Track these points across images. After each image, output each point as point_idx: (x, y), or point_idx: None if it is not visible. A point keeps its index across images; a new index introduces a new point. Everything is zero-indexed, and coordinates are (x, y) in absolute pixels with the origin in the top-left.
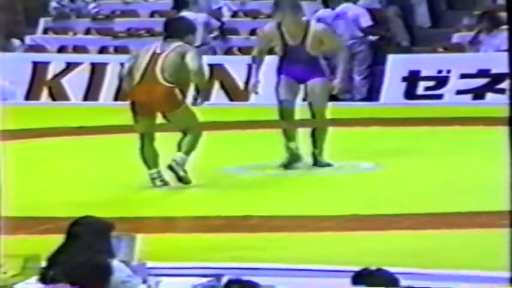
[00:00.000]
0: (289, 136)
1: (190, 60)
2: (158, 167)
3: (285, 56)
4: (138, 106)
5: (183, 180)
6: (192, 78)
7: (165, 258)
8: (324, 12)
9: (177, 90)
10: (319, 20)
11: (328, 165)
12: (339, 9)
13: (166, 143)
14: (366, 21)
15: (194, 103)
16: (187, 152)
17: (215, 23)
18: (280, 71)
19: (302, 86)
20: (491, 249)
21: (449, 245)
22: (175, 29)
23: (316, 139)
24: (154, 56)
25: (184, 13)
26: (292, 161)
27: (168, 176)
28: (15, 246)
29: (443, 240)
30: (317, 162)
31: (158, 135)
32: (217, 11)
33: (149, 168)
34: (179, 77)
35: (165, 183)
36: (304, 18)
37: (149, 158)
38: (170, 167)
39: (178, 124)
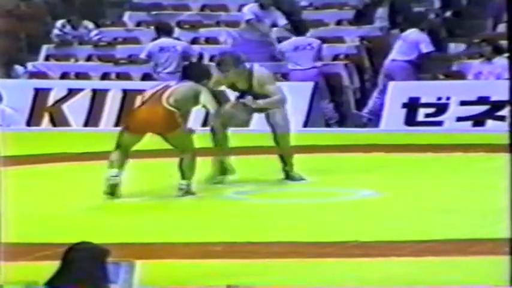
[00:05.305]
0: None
1: (207, 102)
2: (122, 170)
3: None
4: (134, 124)
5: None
6: (210, 119)
7: (164, 285)
8: (296, 40)
9: (177, 114)
10: (296, 48)
11: (302, 179)
12: (405, 33)
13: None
14: (426, 46)
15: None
16: (190, 177)
17: (194, 51)
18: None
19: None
20: (492, 276)
21: (450, 272)
22: (192, 72)
23: (283, 156)
24: (165, 87)
25: (163, 39)
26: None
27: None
28: (14, 272)
29: (444, 267)
30: (289, 177)
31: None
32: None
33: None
34: (183, 106)
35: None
36: (246, 67)
37: (117, 160)
38: (180, 196)
39: (176, 145)
